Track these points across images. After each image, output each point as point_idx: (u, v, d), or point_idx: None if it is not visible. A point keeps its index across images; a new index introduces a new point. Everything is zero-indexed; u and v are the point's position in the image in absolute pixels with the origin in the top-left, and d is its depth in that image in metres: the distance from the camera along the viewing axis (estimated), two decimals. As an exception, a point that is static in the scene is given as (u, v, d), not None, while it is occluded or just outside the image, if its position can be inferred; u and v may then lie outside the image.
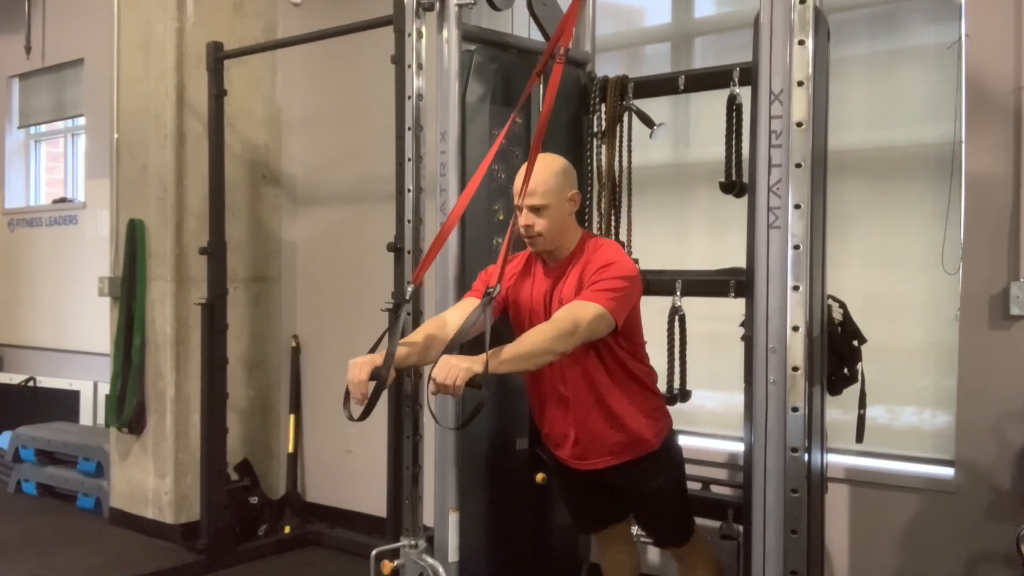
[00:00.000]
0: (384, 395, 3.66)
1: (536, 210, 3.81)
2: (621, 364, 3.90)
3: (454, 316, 3.92)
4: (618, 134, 4.76)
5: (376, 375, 3.55)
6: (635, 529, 4.49)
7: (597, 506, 4.31)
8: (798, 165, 3.32)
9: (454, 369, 3.36)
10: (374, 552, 4.42)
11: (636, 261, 4.51)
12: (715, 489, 4.85)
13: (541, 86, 4.40)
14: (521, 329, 3.95)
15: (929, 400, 5.01)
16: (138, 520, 7.19)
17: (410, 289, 4.14)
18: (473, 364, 3.39)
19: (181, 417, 6.98)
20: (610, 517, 4.35)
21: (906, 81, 5.05)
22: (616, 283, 3.71)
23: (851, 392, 4.12)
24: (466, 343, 3.80)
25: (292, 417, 7.47)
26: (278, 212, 7.60)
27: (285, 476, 7.49)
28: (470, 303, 3.96)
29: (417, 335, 3.86)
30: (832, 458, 4.51)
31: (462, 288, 4.29)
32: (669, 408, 4.31)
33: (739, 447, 4.37)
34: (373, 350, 3.74)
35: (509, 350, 3.50)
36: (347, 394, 3.64)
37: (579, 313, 3.62)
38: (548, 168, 3.84)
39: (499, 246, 4.52)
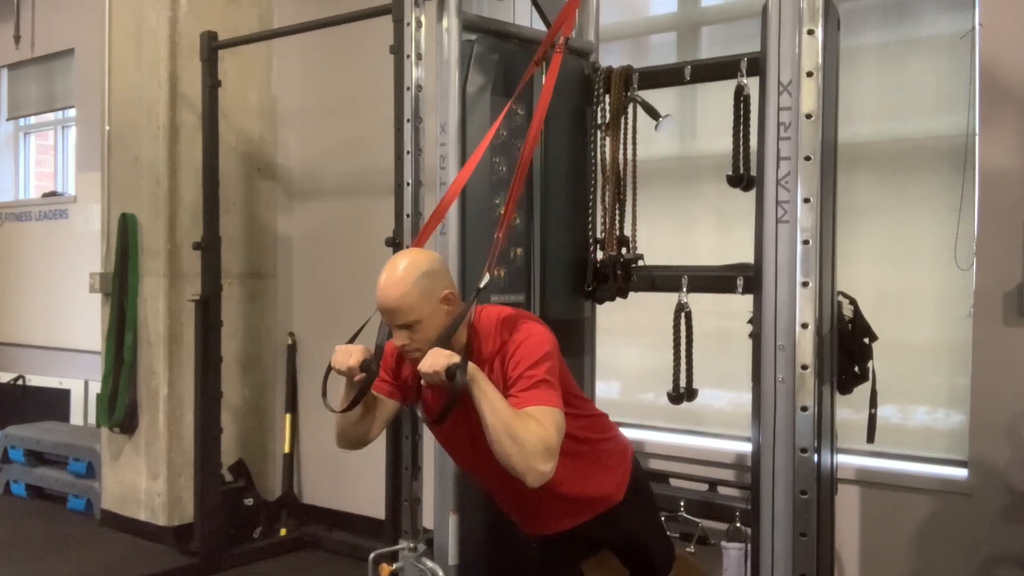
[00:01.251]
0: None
1: (408, 327, 3.37)
2: (570, 435, 3.37)
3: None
4: (622, 126, 4.75)
5: (366, 367, 3.42)
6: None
7: (571, 553, 3.94)
8: (807, 158, 3.33)
9: (437, 356, 3.21)
10: (372, 555, 4.43)
11: (639, 256, 4.54)
12: (722, 491, 4.85)
13: (543, 76, 4.39)
14: (453, 446, 3.74)
15: (942, 399, 5.01)
16: (130, 522, 7.20)
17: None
18: (454, 355, 3.21)
19: (174, 416, 6.99)
20: (589, 553, 4.00)
21: (918, 71, 5.05)
22: (543, 367, 3.32)
23: (862, 391, 4.12)
24: None
25: (288, 416, 7.48)
26: (274, 206, 7.60)
27: (281, 477, 7.49)
28: (379, 401, 3.64)
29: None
30: (842, 459, 4.52)
31: (463, 286, 4.29)
32: (675, 407, 4.31)
33: (747, 447, 4.37)
34: (353, 340, 3.56)
35: (497, 397, 3.20)
36: (326, 381, 3.53)
37: (553, 429, 3.20)
38: (409, 274, 3.38)
39: (500, 240, 4.52)
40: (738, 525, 4.52)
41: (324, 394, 3.55)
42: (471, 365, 3.21)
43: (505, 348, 3.40)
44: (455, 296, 3.47)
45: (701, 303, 4.54)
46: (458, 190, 3.94)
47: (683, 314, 4.49)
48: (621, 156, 4.73)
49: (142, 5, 7.05)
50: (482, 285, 3.46)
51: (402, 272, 3.39)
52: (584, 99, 4.87)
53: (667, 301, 4.46)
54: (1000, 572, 4.63)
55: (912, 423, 5.08)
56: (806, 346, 3.33)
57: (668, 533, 4.23)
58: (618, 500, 3.70)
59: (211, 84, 6.57)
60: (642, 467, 3.99)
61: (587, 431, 3.64)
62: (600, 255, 4.72)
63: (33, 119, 10.58)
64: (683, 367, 4.54)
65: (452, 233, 4.31)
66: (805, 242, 3.33)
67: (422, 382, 3.32)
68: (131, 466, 7.19)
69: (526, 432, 3.14)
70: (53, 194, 10.07)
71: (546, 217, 4.66)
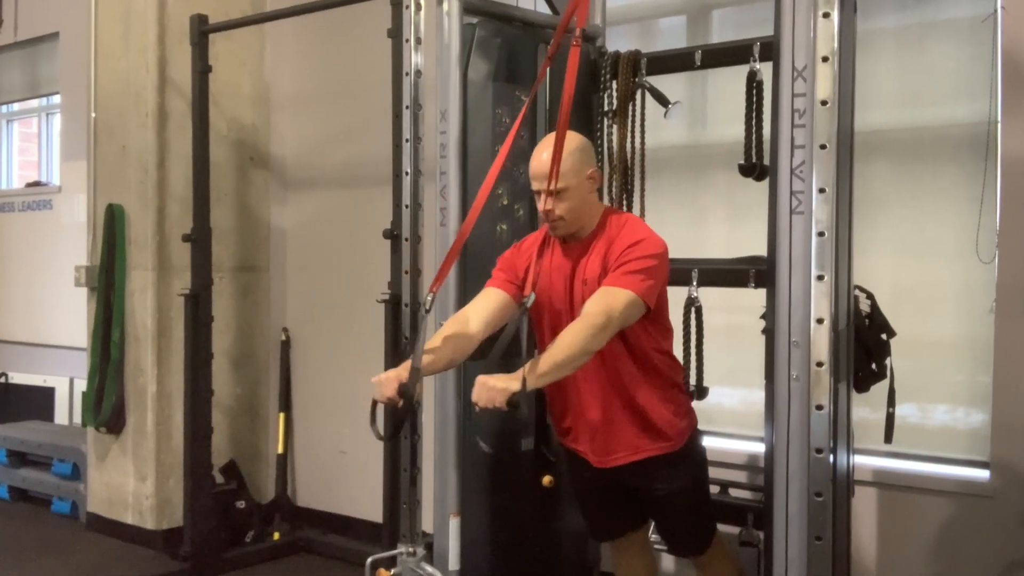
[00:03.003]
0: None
1: (555, 193, 3.80)
2: (646, 353, 3.91)
3: (476, 312, 3.94)
4: (630, 113, 4.76)
5: (404, 392, 3.60)
6: (653, 536, 4.49)
7: (614, 511, 4.31)
8: (823, 146, 3.33)
9: (491, 391, 3.40)
10: (369, 560, 4.43)
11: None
12: (734, 492, 4.85)
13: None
14: (540, 314, 4.00)
15: (963, 397, 5.02)
16: (117, 526, 7.21)
17: (430, 298, 3.95)
18: (510, 384, 3.41)
19: (163, 416, 7.00)
20: (627, 523, 4.34)
21: (938, 56, 5.05)
22: (645, 263, 3.72)
23: (879, 389, 4.13)
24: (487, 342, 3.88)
25: (282, 416, 7.48)
26: (267, 197, 7.61)
27: (274, 479, 7.50)
28: (492, 295, 3.99)
29: (438, 338, 3.86)
30: (859, 459, 4.52)
31: (463, 277, 4.29)
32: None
33: (760, 448, 4.38)
34: (396, 364, 3.81)
35: (545, 361, 3.51)
36: (373, 412, 3.72)
37: (610, 303, 3.63)
38: (564, 147, 3.77)
39: (504, 232, 4.54)
40: (751, 528, 4.53)
41: (372, 423, 3.76)
42: (521, 373, 3.46)
43: (620, 237, 3.85)
44: (598, 176, 4.00)
45: (712, 297, 4.55)
46: (476, 214, 3.99)
47: (693, 309, 4.50)
48: (629, 144, 4.74)
49: (130, -13, 7.06)
50: (528, 304, 3.78)
51: (566, 139, 3.75)
52: (590, 85, 4.88)
53: (676, 295, 4.46)
54: (1023, 577, 4.65)
55: (931, 422, 5.09)
56: (821, 342, 3.34)
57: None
58: (678, 446, 4.02)
59: (201, 69, 6.56)
60: (703, 443, 4.24)
61: (670, 371, 4.07)
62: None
63: (16, 106, 10.57)
64: (693, 364, 4.55)
65: (452, 225, 4.31)
66: (820, 234, 3.33)
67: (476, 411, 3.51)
68: (118, 467, 7.20)
69: (579, 339, 3.55)
70: (37, 184, 10.06)
71: (551, 208, 4.66)
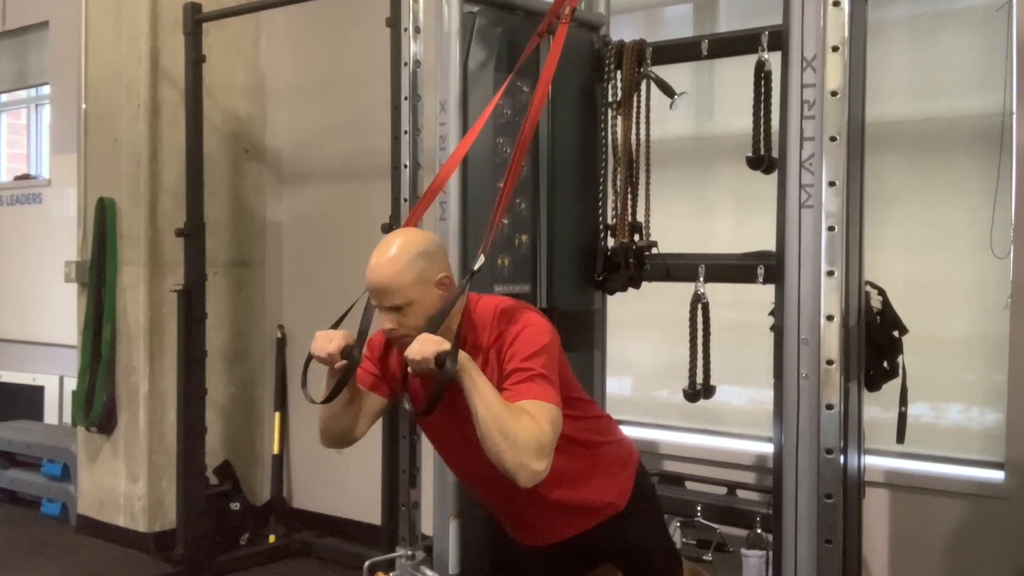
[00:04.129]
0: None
1: (398, 310, 3.36)
2: (569, 437, 3.40)
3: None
4: (635, 104, 4.76)
5: (348, 353, 3.39)
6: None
7: (570, 566, 3.95)
8: (833, 138, 3.33)
9: (426, 343, 3.17)
10: (367, 563, 4.43)
11: (653, 243, 4.55)
12: (742, 494, 4.86)
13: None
14: (442, 443, 3.74)
15: (977, 396, 5.02)
16: (108, 528, 7.22)
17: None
18: (444, 344, 3.18)
19: (155, 415, 7.00)
20: (590, 567, 4.02)
21: (951, 46, 5.05)
22: (540, 360, 3.30)
23: (891, 388, 4.12)
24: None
25: (277, 415, 7.49)
26: (262, 190, 7.61)
27: (270, 480, 7.51)
28: (368, 400, 3.64)
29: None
30: (870, 460, 4.52)
31: (460, 275, 4.29)
32: (691, 405, 4.32)
33: (768, 448, 4.37)
34: (336, 325, 3.56)
35: (489, 389, 3.18)
36: (305, 370, 3.51)
37: (548, 424, 3.18)
38: (404, 254, 3.36)
39: (506, 227, 4.52)
40: (759, 531, 4.53)
41: (304, 384, 3.52)
42: (462, 354, 3.20)
43: (502, 339, 3.38)
44: (451, 280, 3.46)
45: (719, 294, 4.54)
46: (455, 164, 3.90)
47: (700, 305, 4.50)
48: (633, 137, 4.74)
49: (121, -25, 7.06)
50: (476, 267, 3.42)
51: (396, 251, 3.38)
52: (594, 76, 4.88)
53: (683, 292, 4.46)
54: (1039, 581, 4.65)
55: (945, 422, 5.09)
56: (831, 340, 3.34)
57: (681, 541, 4.22)
58: (620, 508, 3.68)
59: (195, 59, 6.56)
60: (648, 474, 3.96)
61: (587, 433, 3.62)
62: (611, 242, 4.73)
63: (4, 97, 10.58)
64: (700, 362, 4.55)
65: (452, 219, 4.31)
66: (830, 228, 3.33)
67: (408, 370, 3.30)
68: (109, 468, 7.21)
69: (518, 427, 3.12)
70: (26, 177, 10.07)
71: (553, 202, 4.66)
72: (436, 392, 3.23)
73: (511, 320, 3.42)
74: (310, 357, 3.46)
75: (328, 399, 3.48)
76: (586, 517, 3.65)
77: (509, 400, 3.20)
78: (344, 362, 3.40)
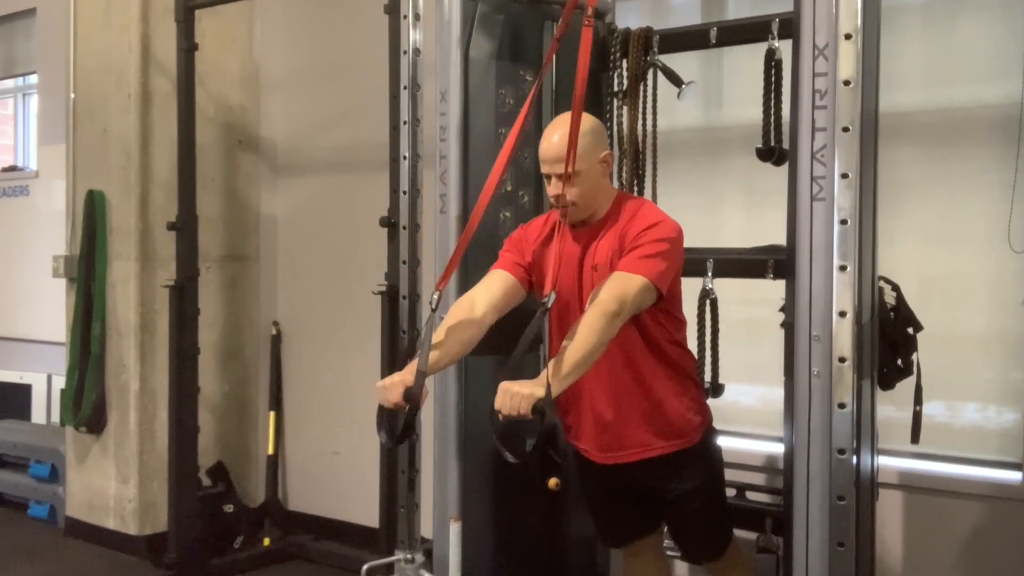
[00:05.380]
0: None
1: (567, 177, 3.76)
2: (659, 343, 3.93)
3: (482, 296, 3.93)
4: (641, 94, 4.76)
5: (408, 396, 3.59)
6: (666, 542, 4.49)
7: (625, 514, 4.30)
8: (845, 129, 3.33)
9: (515, 398, 3.37)
10: (365, 567, 4.45)
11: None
12: (751, 496, 4.86)
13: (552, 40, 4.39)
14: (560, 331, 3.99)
15: (994, 395, 5.02)
16: (98, 531, 7.22)
17: (435, 297, 3.90)
18: (535, 389, 3.38)
19: (146, 414, 7.01)
20: (639, 527, 4.33)
21: (968, 33, 5.05)
22: (658, 246, 3.74)
23: (905, 386, 4.13)
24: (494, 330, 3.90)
25: (272, 415, 7.49)
26: (256, 182, 7.61)
27: (264, 481, 7.51)
28: (499, 279, 4.00)
29: (441, 331, 3.82)
30: (884, 461, 4.53)
31: (465, 267, 4.29)
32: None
33: (779, 448, 4.38)
34: (401, 366, 3.79)
35: (567, 361, 3.48)
36: (380, 417, 3.75)
37: (623, 288, 3.63)
38: (576, 128, 3.72)
39: (508, 220, 4.54)
40: (769, 534, 4.54)
41: (379, 429, 3.79)
42: (545, 374, 3.45)
43: (635, 220, 3.87)
44: (611, 158, 4.05)
45: (728, 289, 4.55)
46: (483, 206, 3.96)
47: (708, 301, 4.51)
48: (640, 127, 4.74)
49: (110, -40, 7.06)
50: (549, 305, 3.62)
51: (569, 126, 3.71)
52: (599, 64, 4.88)
53: (690, 287, 4.47)
54: (1057, 586, 4.65)
55: (961, 422, 5.09)
56: (844, 337, 3.34)
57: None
58: (693, 442, 4.03)
59: (187, 48, 6.56)
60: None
61: (684, 362, 4.09)
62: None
63: (-10, 86, 10.59)
64: (708, 360, 4.56)
65: (452, 212, 4.32)
66: (843, 222, 3.34)
67: (500, 414, 3.47)
68: (99, 469, 7.22)
69: (594, 332, 3.53)
70: (13, 169, 10.06)
71: (557, 195, 4.67)
72: (541, 442, 3.54)
73: (649, 211, 3.94)
74: (382, 408, 3.74)
75: (401, 440, 3.94)
76: (662, 437, 3.99)
77: (618, 268, 3.72)
78: (408, 406, 3.63)
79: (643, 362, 3.91)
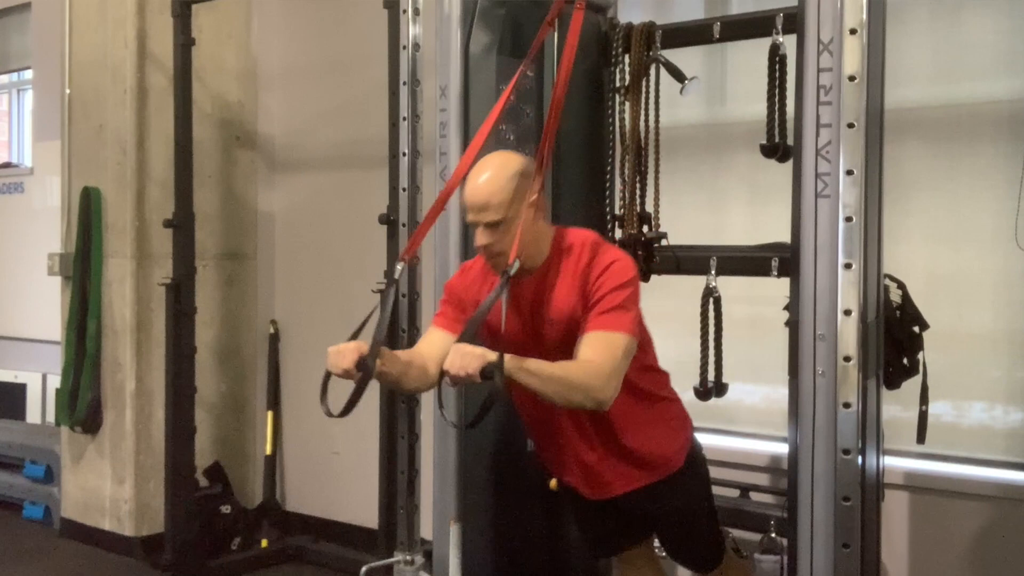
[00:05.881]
0: (375, 388, 3.66)
1: (495, 225, 3.63)
2: (631, 383, 3.70)
3: (429, 354, 3.79)
4: (644, 90, 4.76)
5: (362, 365, 3.48)
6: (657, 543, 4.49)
7: (613, 531, 4.25)
8: (850, 125, 3.34)
9: (466, 356, 3.29)
10: (364, 569, 4.45)
11: (663, 235, 4.56)
12: (755, 497, 4.87)
13: (555, 34, 4.39)
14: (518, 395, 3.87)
15: (1001, 394, 5.02)
16: (93, 532, 7.23)
17: (400, 268, 3.91)
18: (488, 353, 3.31)
19: (143, 414, 7.01)
20: (629, 540, 4.30)
21: (974, 28, 5.04)
22: (625, 292, 3.59)
23: (911, 386, 4.13)
24: None
25: (270, 414, 7.50)
26: (254, 179, 7.61)
27: (262, 482, 7.52)
28: (440, 340, 3.83)
29: (400, 352, 3.77)
30: (889, 461, 4.53)
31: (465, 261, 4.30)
32: (703, 404, 4.33)
33: (783, 449, 4.39)
34: (355, 336, 3.64)
35: (537, 363, 3.39)
36: (324, 386, 3.63)
37: (611, 352, 3.49)
38: (501, 173, 3.65)
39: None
40: (773, 535, 4.54)
41: (323, 398, 3.63)
42: (507, 357, 3.32)
43: (591, 267, 3.65)
44: (543, 200, 3.72)
45: (732, 287, 4.55)
46: (458, 182, 3.91)
47: (711, 300, 4.50)
48: (642, 123, 4.74)
49: (106, -46, 7.06)
50: (512, 272, 3.56)
51: (496, 169, 3.67)
52: (601, 60, 4.88)
53: (694, 285, 4.47)
54: (1065, 588, 4.65)
55: (967, 421, 5.09)
56: (849, 336, 3.34)
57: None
58: (677, 467, 3.96)
59: (184, 42, 6.56)
60: (701, 445, 4.16)
61: (657, 387, 3.97)
62: (619, 234, 4.74)
63: (-16, 82, 10.59)
64: (711, 359, 4.56)
65: (453, 210, 4.32)
66: (848, 219, 3.34)
67: (446, 383, 3.42)
68: (94, 470, 7.22)
69: (582, 373, 3.43)
70: (7, 165, 10.08)
71: (558, 191, 4.67)
72: (484, 406, 3.35)
73: (601, 251, 3.71)
74: (328, 375, 3.59)
75: (346, 412, 3.56)
76: (647, 469, 3.91)
77: (591, 328, 3.54)
78: (359, 374, 3.49)
79: (614, 413, 3.69)
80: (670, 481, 3.94)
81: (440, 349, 3.70)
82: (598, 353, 3.48)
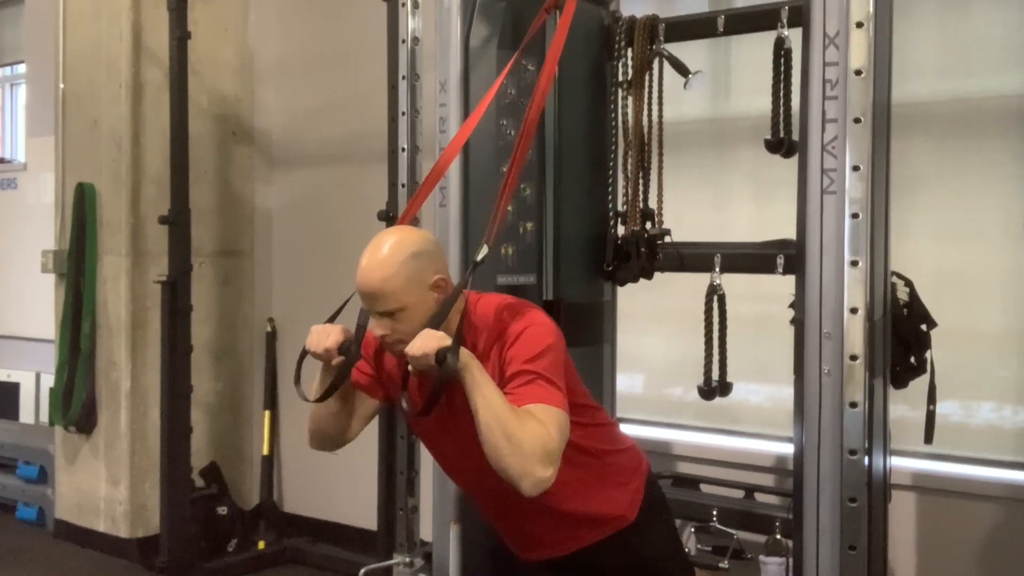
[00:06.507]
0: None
1: (390, 315, 3.32)
2: (571, 448, 3.30)
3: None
4: (647, 84, 4.76)
5: (345, 350, 3.40)
6: None
7: None
8: (857, 120, 3.33)
9: (428, 339, 3.16)
10: (363, 571, 4.45)
11: (666, 232, 4.55)
12: (760, 498, 4.87)
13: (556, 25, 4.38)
14: (439, 447, 3.69)
15: (1010, 394, 5.02)
16: (88, 534, 7.24)
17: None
18: (445, 337, 3.18)
19: (138, 414, 7.02)
20: None
21: (983, 22, 5.05)
22: (544, 361, 3.27)
23: (918, 385, 4.13)
24: None
25: (267, 414, 7.50)
26: (251, 175, 7.62)
27: (259, 483, 7.52)
28: (362, 401, 3.65)
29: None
30: (896, 461, 4.52)
31: (464, 268, 4.29)
32: (706, 403, 4.32)
33: (788, 449, 4.38)
34: (333, 319, 3.55)
35: (493, 389, 3.16)
36: (299, 366, 3.52)
37: (544, 433, 3.12)
38: (395, 255, 3.32)
39: (510, 214, 4.52)
40: (778, 537, 4.53)
41: (297, 380, 3.53)
42: (464, 351, 3.18)
43: (503, 339, 3.35)
44: (447, 283, 3.40)
45: (736, 285, 4.55)
46: (457, 150, 3.90)
47: (716, 297, 4.50)
48: (645, 118, 4.74)
49: (101, -54, 7.06)
50: (479, 258, 3.40)
51: (388, 252, 3.34)
52: (603, 54, 4.87)
53: (698, 283, 4.47)
54: (1075, 590, 4.65)
55: (976, 421, 5.09)
56: (855, 334, 3.34)
57: (696, 547, 4.23)
58: (630, 521, 3.64)
59: (179, 36, 6.55)
60: (659, 484, 3.93)
61: (595, 441, 3.59)
62: (621, 230, 4.73)
63: (-24, 76, 10.59)
64: (715, 358, 4.56)
65: (453, 206, 4.32)
66: (854, 216, 3.34)
67: (409, 368, 3.29)
68: (89, 470, 7.23)
69: (523, 431, 3.09)
70: (0, 161, 10.07)
71: (560, 187, 4.66)
72: (436, 388, 3.21)
73: (513, 319, 3.38)
74: (304, 352, 3.46)
75: (323, 397, 3.48)
76: (593, 529, 3.62)
77: (513, 403, 3.15)
78: (342, 358, 3.40)
79: (545, 498, 3.26)
80: (622, 536, 3.64)
81: (367, 411, 3.65)
82: (541, 425, 3.13)
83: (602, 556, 3.66)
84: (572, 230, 4.68)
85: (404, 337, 3.26)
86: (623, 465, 3.71)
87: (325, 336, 3.42)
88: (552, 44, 3.68)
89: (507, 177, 3.58)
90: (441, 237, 4.35)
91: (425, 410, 3.28)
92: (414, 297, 3.31)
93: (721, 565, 4.55)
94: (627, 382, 5.70)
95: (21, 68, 9.81)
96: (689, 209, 5.29)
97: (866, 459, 3.37)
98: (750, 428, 5.60)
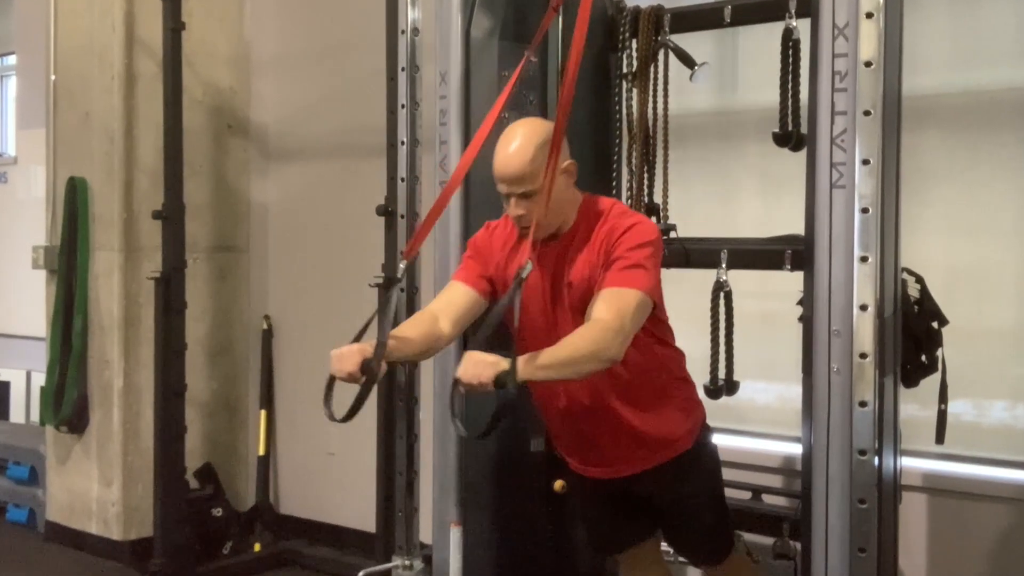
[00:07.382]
0: (374, 387, 3.66)
1: (527, 196, 3.66)
2: (645, 350, 3.78)
3: (444, 311, 3.85)
4: (652, 76, 4.76)
5: (366, 368, 3.51)
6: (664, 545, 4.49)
7: (619, 521, 4.25)
8: (867, 113, 3.34)
9: (479, 365, 3.32)
10: (361, 574, 4.46)
11: (672, 227, 4.57)
12: (767, 499, 4.87)
13: (560, 19, 4.39)
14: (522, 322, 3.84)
15: (1023, 393, 5.02)
16: (79, 536, 7.24)
17: (402, 266, 3.99)
18: (501, 361, 3.33)
19: (131, 413, 7.01)
20: (635, 534, 4.29)
21: (994, 12, 5.05)
22: (644, 252, 3.62)
23: (929, 384, 4.13)
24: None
25: (263, 413, 7.50)
26: (246, 169, 7.61)
27: (255, 484, 7.52)
28: (460, 294, 3.91)
29: (405, 326, 3.81)
30: (907, 462, 4.53)
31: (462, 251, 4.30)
32: (713, 403, 4.33)
33: (796, 449, 4.39)
34: (358, 338, 3.67)
35: (547, 354, 3.41)
36: (328, 390, 3.62)
37: (621, 307, 3.51)
38: (530, 142, 3.66)
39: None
40: (787, 539, 4.54)
41: (327, 402, 3.62)
42: (519, 361, 3.34)
43: (613, 230, 3.69)
44: (575, 168, 3.78)
45: (743, 281, 4.55)
46: (457, 183, 3.98)
47: (722, 294, 4.50)
48: (650, 111, 4.74)
49: (93, -65, 7.06)
50: (524, 275, 3.54)
51: (523, 140, 3.67)
52: (607, 45, 4.88)
53: (704, 279, 4.47)
54: (1090, 594, 4.66)
55: (988, 421, 5.09)
56: (865, 332, 3.35)
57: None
58: (686, 448, 3.96)
59: (173, 27, 6.54)
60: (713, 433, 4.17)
61: (672, 363, 4.00)
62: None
63: (-34, 68, 10.60)
64: (722, 356, 4.56)
65: (454, 205, 4.32)
66: (864, 210, 3.34)
67: (460, 391, 3.42)
68: (80, 471, 7.23)
69: (589, 341, 3.44)
70: (-11, 155, 10.10)
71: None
72: (498, 415, 3.45)
73: (624, 216, 3.76)
74: (332, 379, 3.60)
75: (349, 416, 3.58)
76: (652, 451, 3.92)
77: (606, 285, 3.57)
78: (364, 378, 3.53)
79: (626, 379, 3.79)
80: (676, 465, 3.94)
81: (460, 306, 3.87)
82: (608, 309, 3.51)
83: (654, 483, 4.00)
84: (575, 225, 4.69)
85: (540, 219, 3.59)
86: (688, 394, 4.07)
87: (345, 361, 3.55)
88: (572, 46, 3.68)
89: (546, 190, 3.67)
90: (441, 232, 4.36)
91: (484, 435, 3.58)
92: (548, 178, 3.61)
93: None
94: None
95: (11, 59, 9.82)
96: (695, 204, 5.30)
97: (876, 459, 3.38)
98: (757, 428, 5.60)
